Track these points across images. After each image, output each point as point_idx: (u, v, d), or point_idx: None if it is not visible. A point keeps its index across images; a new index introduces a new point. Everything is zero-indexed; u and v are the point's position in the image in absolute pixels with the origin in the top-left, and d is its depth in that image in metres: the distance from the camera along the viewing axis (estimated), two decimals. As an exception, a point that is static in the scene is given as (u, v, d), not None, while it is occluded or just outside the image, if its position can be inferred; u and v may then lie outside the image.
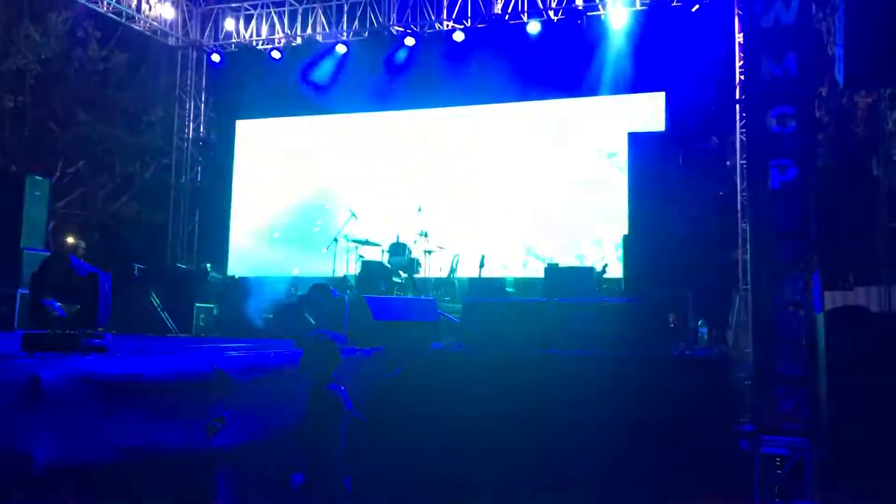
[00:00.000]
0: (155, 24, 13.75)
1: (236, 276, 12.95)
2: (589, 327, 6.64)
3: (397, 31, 13.12)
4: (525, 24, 12.29)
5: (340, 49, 13.47)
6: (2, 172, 14.76)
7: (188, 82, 14.75)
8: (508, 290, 11.13)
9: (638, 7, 11.82)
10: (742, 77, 10.79)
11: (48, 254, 8.65)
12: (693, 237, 7.63)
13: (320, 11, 13.58)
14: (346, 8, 13.36)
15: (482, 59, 12.59)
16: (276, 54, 13.77)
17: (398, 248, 10.62)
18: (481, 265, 10.75)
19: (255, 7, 14.00)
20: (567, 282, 8.59)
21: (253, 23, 14.10)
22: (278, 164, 14.56)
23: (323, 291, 7.95)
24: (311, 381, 4.27)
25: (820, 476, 5.24)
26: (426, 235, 10.78)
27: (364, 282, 9.75)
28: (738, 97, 11.09)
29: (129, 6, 13.15)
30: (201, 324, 10.13)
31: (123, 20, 13.36)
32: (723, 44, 11.46)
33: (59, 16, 16.49)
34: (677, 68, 11.38)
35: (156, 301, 10.12)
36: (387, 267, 10.17)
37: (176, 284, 10.77)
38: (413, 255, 10.69)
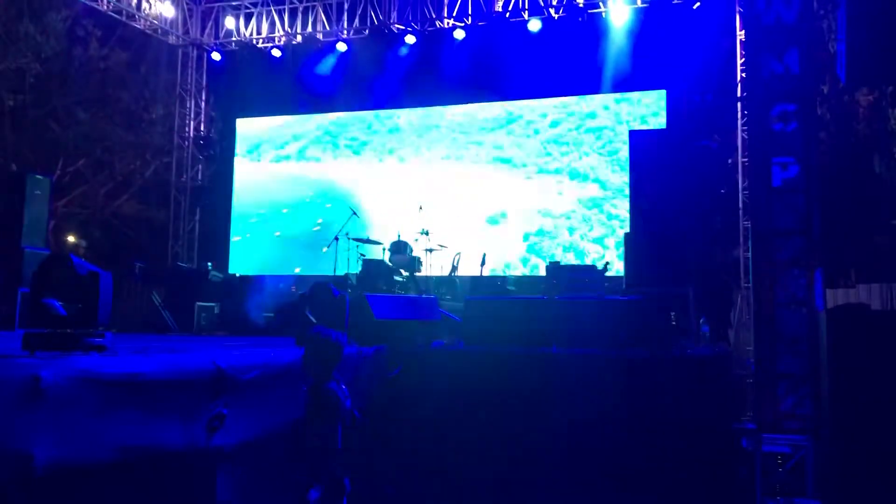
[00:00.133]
0: (155, 22, 13.74)
1: (237, 275, 12.95)
2: (590, 325, 6.64)
3: (398, 29, 13.10)
4: (526, 21, 12.26)
5: (341, 47, 13.45)
6: (2, 171, 14.78)
7: (188, 81, 14.74)
8: (510, 288, 11.11)
9: (639, 4, 11.80)
10: (743, 75, 10.77)
11: (49, 253, 8.66)
12: (694, 235, 7.62)
13: (320, 9, 13.56)
14: (346, 6, 13.35)
15: (483, 57, 12.58)
16: (276, 52, 13.76)
17: (399, 247, 10.61)
18: (482, 263, 10.75)
19: (255, 5, 13.98)
20: (569, 280, 8.57)
21: (253, 21, 14.08)
22: (279, 162, 14.57)
23: (324, 290, 7.92)
24: (311, 379, 4.25)
25: (822, 474, 5.23)
26: (427, 234, 10.78)
27: (365, 280, 9.74)
28: (739, 95, 11.07)
29: (130, 4, 13.14)
30: (202, 322, 10.12)
31: (124, 19, 13.35)
32: (724, 41, 11.44)
33: (60, 14, 16.49)
34: (678, 66, 11.36)
35: (157, 300, 10.12)
36: (388, 265, 10.17)
37: (177, 283, 10.77)
38: (414, 254, 10.68)
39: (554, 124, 12.91)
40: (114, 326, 4.77)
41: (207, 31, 14.46)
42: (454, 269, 11.06)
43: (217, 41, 14.42)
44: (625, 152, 11.62)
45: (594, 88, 12.37)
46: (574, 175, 12.58)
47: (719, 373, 6.11)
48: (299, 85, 13.84)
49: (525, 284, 11.68)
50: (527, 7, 12.32)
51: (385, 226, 12.03)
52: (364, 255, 10.61)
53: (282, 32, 13.89)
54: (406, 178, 13.44)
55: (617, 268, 10.98)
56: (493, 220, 12.84)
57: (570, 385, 6.10)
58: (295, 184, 14.35)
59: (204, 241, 14.57)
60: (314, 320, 7.79)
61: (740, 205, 10.93)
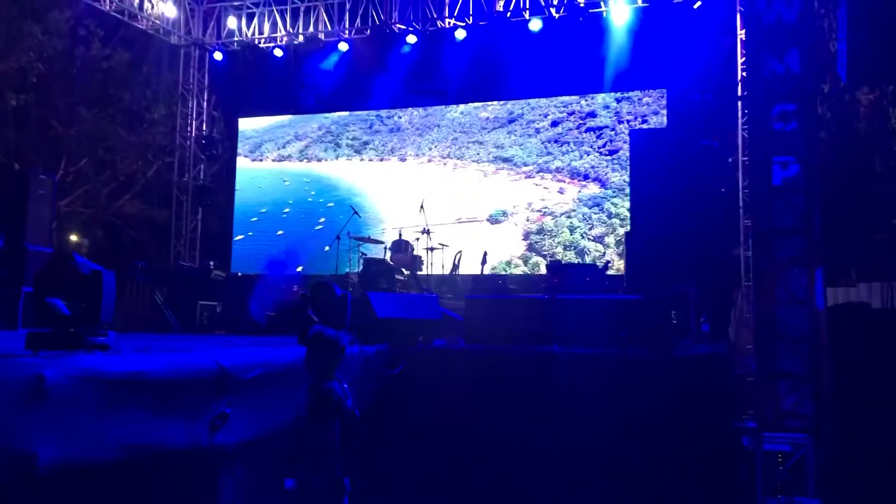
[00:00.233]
0: (157, 22, 13.76)
1: (239, 274, 12.97)
2: (591, 324, 6.65)
3: (399, 29, 13.11)
4: (527, 21, 12.28)
5: (342, 47, 13.48)
6: (6, 170, 14.79)
7: (190, 80, 14.76)
8: (511, 286, 11.13)
9: (640, 4, 11.80)
10: (744, 74, 10.78)
11: (52, 252, 8.68)
12: (695, 234, 7.63)
13: (322, 9, 13.58)
14: (348, 6, 13.36)
15: (484, 57, 12.60)
16: (278, 52, 13.78)
17: (400, 246, 10.63)
18: (483, 262, 10.77)
19: (257, 5, 14.00)
20: (569, 279, 8.59)
21: (255, 21, 14.10)
22: (280, 161, 14.59)
23: (326, 289, 7.95)
24: (312, 378, 4.27)
25: (823, 473, 5.24)
26: (428, 233, 10.80)
27: (366, 279, 9.77)
28: (740, 94, 11.08)
29: (132, 4, 13.16)
30: (204, 321, 10.15)
31: (126, 18, 13.38)
32: (725, 40, 11.44)
33: (62, 14, 16.48)
34: (679, 65, 11.38)
35: (159, 299, 10.14)
36: (389, 264, 10.19)
37: (179, 282, 10.80)
38: (415, 253, 10.70)
39: (555, 123, 12.93)
40: (116, 326, 4.78)
41: (209, 30, 14.48)
42: (455, 267, 11.09)
43: (219, 41, 14.44)
44: (625, 151, 11.66)
45: (595, 88, 12.39)
46: (576, 173, 12.60)
47: (720, 372, 6.12)
48: (301, 84, 13.86)
49: (526, 283, 11.71)
50: (528, 7, 12.33)
51: (386, 225, 12.06)
52: (365, 254, 10.64)
53: (283, 32, 13.91)
54: (407, 177, 13.47)
55: (617, 267, 11.00)
56: (494, 219, 12.86)
57: (570, 384, 6.11)
58: (296, 183, 14.37)
59: (206, 240, 14.60)
60: (316, 319, 7.81)
61: (741, 204, 10.94)
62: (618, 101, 12.52)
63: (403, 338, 6.89)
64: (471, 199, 13.00)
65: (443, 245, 11.01)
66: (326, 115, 14.48)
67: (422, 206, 10.93)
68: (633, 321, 6.62)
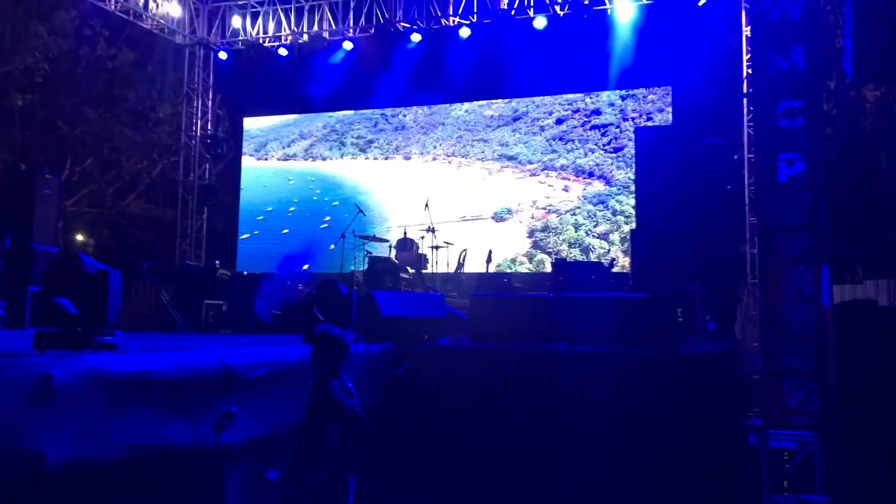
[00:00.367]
0: (162, 21, 13.79)
1: (245, 273, 13.00)
2: (596, 322, 6.64)
3: (404, 27, 13.11)
4: (531, 19, 12.26)
5: (347, 46, 13.48)
6: (12, 170, 14.85)
7: (195, 80, 14.79)
8: (516, 285, 11.13)
9: (644, 1, 11.78)
10: (749, 71, 10.75)
11: (59, 252, 8.71)
12: (701, 231, 7.60)
13: (326, 8, 13.59)
14: (352, 4, 13.37)
15: (488, 55, 12.59)
16: (283, 51, 13.80)
17: (405, 244, 10.64)
18: (488, 260, 10.77)
19: (261, 4, 14.02)
20: (575, 277, 8.58)
21: (259, 20, 14.12)
22: (285, 160, 14.61)
23: (331, 287, 7.96)
24: (316, 377, 4.27)
25: (829, 471, 5.22)
26: (433, 231, 10.80)
27: (371, 277, 9.78)
28: (745, 91, 11.04)
29: (137, 4, 13.20)
30: (210, 321, 10.17)
31: (131, 18, 13.41)
32: (730, 37, 11.41)
33: (68, 14, 16.52)
34: (684, 62, 11.34)
35: (165, 298, 10.17)
36: (394, 263, 10.20)
37: (185, 281, 10.83)
38: (420, 251, 10.71)
39: (559, 121, 12.92)
40: (122, 325, 4.79)
41: (214, 30, 14.51)
42: (460, 266, 11.09)
43: (224, 40, 14.46)
44: (629, 149, 11.64)
45: (600, 85, 12.37)
46: (581, 171, 12.59)
47: (726, 369, 6.11)
48: (306, 83, 13.87)
49: (531, 281, 11.70)
50: (532, 4, 12.32)
51: (391, 223, 12.06)
52: (370, 253, 10.65)
53: (288, 31, 13.92)
54: (412, 175, 13.48)
55: (622, 264, 10.99)
56: (498, 217, 12.86)
57: (575, 382, 6.11)
58: (301, 182, 14.40)
59: (211, 239, 14.64)
60: (322, 317, 7.82)
61: (746, 201, 10.91)
62: (623, 98, 12.50)
63: (408, 336, 6.90)
64: (475, 197, 13.00)
65: (448, 243, 11.01)
66: (331, 113, 14.50)
67: (426, 205, 10.94)
68: (638, 319, 6.61)
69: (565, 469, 5.97)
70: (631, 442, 5.87)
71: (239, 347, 5.66)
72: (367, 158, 14.04)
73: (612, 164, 12.39)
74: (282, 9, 13.88)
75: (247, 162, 14.94)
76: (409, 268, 10.40)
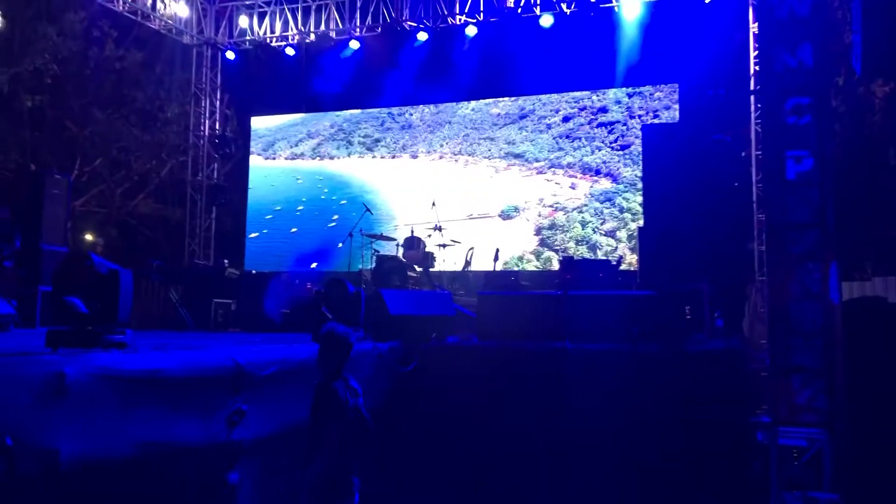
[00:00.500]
0: (170, 22, 13.86)
1: (253, 272, 13.05)
2: (604, 320, 6.64)
3: (410, 26, 13.13)
4: (538, 17, 12.26)
5: (354, 45, 13.51)
6: (21, 171, 14.93)
7: (203, 80, 14.85)
8: (523, 283, 11.14)
9: (651, -2, 11.78)
10: (757, 68, 10.72)
11: (68, 251, 8.77)
12: (708, 229, 7.58)
13: (333, 8, 13.63)
14: (359, 4, 13.40)
15: (495, 53, 12.60)
16: (290, 51, 13.84)
17: (413, 243, 10.66)
18: (496, 258, 10.78)
19: (268, 4, 14.07)
20: (582, 274, 8.58)
21: (266, 20, 14.17)
22: (293, 159, 14.66)
23: (339, 286, 7.99)
24: (322, 376, 4.29)
25: (838, 468, 5.22)
26: (440, 229, 10.82)
27: (379, 276, 9.80)
28: (752, 88, 11.01)
29: (145, 5, 13.27)
30: (219, 319, 10.21)
31: (139, 19, 13.49)
32: (737, 34, 11.38)
33: (76, 15, 16.60)
34: (691, 60, 11.32)
35: (174, 297, 10.22)
36: (402, 261, 10.22)
37: (194, 280, 10.87)
38: (427, 249, 10.73)
39: (566, 119, 12.91)
40: (132, 323, 4.83)
41: (221, 30, 14.57)
42: (467, 264, 11.10)
43: (231, 40, 14.52)
44: (636, 146, 11.63)
45: (606, 83, 12.37)
46: (588, 168, 12.59)
47: (734, 367, 6.10)
48: (313, 83, 13.91)
49: (538, 279, 11.71)
50: (539, 2, 12.32)
51: (398, 222, 12.08)
52: (378, 251, 10.68)
53: (295, 31, 13.96)
54: (419, 173, 13.50)
55: (630, 261, 10.98)
56: (505, 215, 12.87)
57: (583, 380, 6.11)
58: (309, 181, 14.44)
59: (220, 238, 14.71)
60: (330, 316, 7.85)
61: (754, 198, 10.88)
62: (629, 96, 12.49)
63: (416, 334, 6.91)
64: (482, 195, 13.01)
65: (455, 241, 11.03)
66: (338, 112, 14.54)
67: (433, 203, 10.96)
68: (646, 317, 6.60)
69: (574, 466, 5.97)
70: (639, 439, 5.87)
71: (249, 346, 5.70)
72: (374, 157, 14.08)
73: (618, 161, 12.38)
74: (289, 8, 13.93)
75: (255, 161, 15.00)
76: (416, 266, 10.42)
